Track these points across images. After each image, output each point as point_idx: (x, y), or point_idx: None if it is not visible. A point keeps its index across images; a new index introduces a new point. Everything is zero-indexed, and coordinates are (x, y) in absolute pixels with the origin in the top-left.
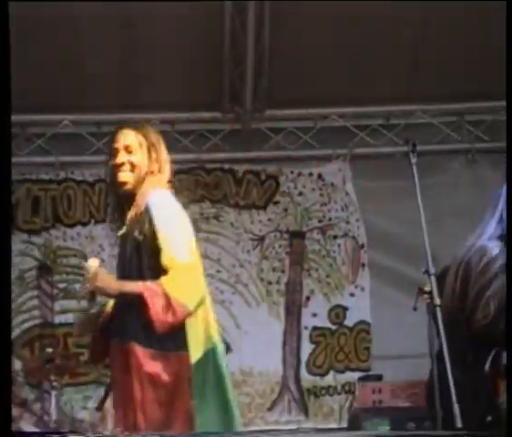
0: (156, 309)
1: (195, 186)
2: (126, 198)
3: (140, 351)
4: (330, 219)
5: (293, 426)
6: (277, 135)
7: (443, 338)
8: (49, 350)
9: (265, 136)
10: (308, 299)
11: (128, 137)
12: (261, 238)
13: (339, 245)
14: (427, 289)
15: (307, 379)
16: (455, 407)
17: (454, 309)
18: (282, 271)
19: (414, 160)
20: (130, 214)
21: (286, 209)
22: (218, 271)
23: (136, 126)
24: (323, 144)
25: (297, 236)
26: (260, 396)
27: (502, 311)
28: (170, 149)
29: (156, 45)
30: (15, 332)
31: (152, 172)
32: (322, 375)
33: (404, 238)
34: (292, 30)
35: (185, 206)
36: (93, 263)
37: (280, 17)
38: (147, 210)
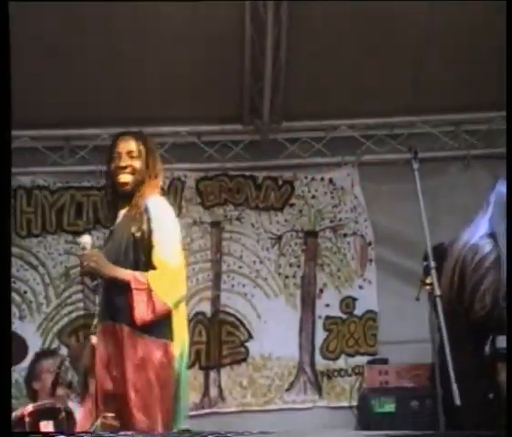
0: (138, 304)
1: (219, 191)
2: (123, 198)
3: (131, 334)
4: (340, 220)
5: (309, 405)
6: (292, 144)
7: (443, 324)
8: (92, 337)
9: (282, 145)
10: (321, 291)
11: (130, 144)
12: (279, 237)
13: (348, 242)
14: (429, 281)
15: (321, 362)
16: (454, 386)
17: (453, 301)
18: (298, 266)
19: (416, 166)
20: (125, 212)
21: (301, 211)
22: (240, 267)
23: (136, 134)
24: (334, 152)
25: (311, 235)
26: (278, 378)
27: (497, 302)
28: (197, 158)
29: (186, 65)
30: (63, 322)
31: (150, 177)
32: (335, 359)
33: (408, 235)
34: (305, 51)
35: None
36: (87, 240)
37: (295, 40)
38: (146, 211)
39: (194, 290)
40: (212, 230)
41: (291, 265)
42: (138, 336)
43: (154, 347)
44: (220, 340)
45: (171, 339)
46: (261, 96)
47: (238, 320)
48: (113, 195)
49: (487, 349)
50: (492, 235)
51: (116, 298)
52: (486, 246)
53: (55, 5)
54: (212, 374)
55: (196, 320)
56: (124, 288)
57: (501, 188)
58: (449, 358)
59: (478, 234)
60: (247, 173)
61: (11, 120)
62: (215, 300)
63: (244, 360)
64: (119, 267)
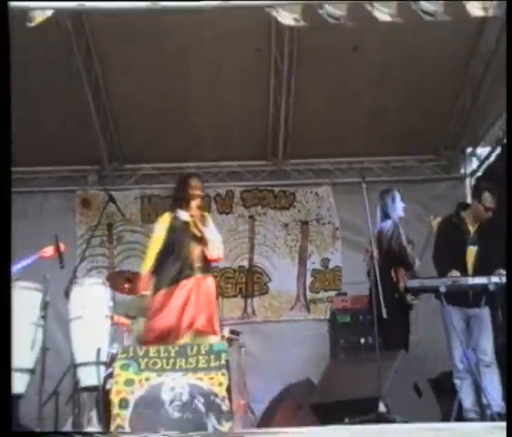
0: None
1: (253, 198)
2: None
3: None
4: (321, 215)
5: (302, 318)
6: (295, 173)
7: (377, 273)
8: None
9: (289, 173)
10: (310, 255)
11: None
12: (286, 225)
13: (326, 228)
14: (370, 249)
15: (309, 295)
16: (383, 307)
17: (382, 259)
18: (297, 241)
19: (364, 186)
20: (186, 212)
21: (299, 210)
22: (264, 242)
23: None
24: (318, 177)
25: (305, 223)
26: (286, 303)
27: (396, 244)
28: (241, 180)
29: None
30: None
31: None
32: (317, 293)
33: (360, 225)
34: (306, 111)
35: None
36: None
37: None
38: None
39: (239, 253)
40: (249, 220)
41: (293, 240)
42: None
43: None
44: (253, 281)
45: None
46: (277, 144)
47: (263, 270)
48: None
49: (402, 285)
50: (387, 215)
51: None
52: (386, 225)
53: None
54: (248, 300)
55: (239, 270)
56: None
57: (383, 196)
58: (380, 290)
59: (380, 220)
60: (269, 188)
61: (11, 120)
62: (250, 260)
63: (266, 292)
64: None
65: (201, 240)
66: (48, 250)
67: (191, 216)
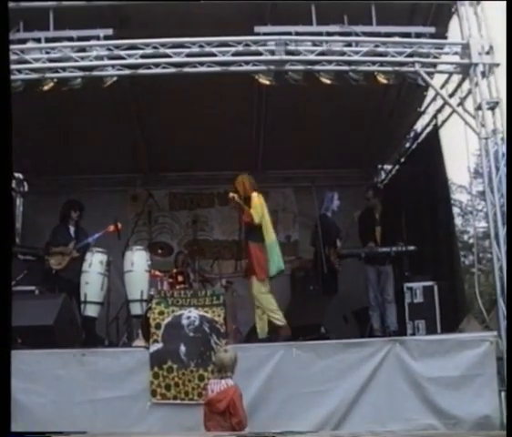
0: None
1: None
2: None
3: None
4: (286, 207)
5: None
6: (270, 179)
7: (320, 242)
8: None
9: (265, 179)
10: (278, 233)
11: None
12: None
13: (289, 215)
14: (318, 230)
15: None
16: (324, 264)
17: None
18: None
19: (314, 189)
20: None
21: (272, 204)
22: None
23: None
24: (286, 183)
25: (275, 212)
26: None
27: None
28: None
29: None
30: None
31: None
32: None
33: (311, 213)
34: (276, 139)
35: None
36: None
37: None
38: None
39: (233, 230)
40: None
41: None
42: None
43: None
44: (241, 249)
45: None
46: (258, 160)
47: None
48: None
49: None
50: (327, 208)
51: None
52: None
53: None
54: (238, 261)
55: (232, 242)
56: None
57: (326, 195)
58: (322, 253)
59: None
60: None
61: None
62: (239, 235)
63: None
64: None
65: None
66: (110, 228)
67: None
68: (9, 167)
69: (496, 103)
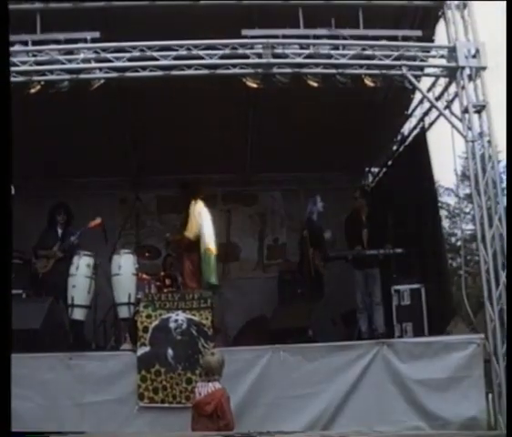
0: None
1: (230, 198)
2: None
3: None
4: (274, 210)
5: (261, 276)
6: (259, 183)
7: (309, 248)
8: None
9: (254, 183)
10: (266, 236)
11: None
12: (251, 216)
13: (276, 218)
14: (304, 234)
15: (265, 261)
16: (312, 268)
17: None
18: (258, 226)
19: (302, 193)
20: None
21: (260, 207)
22: (236, 226)
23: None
24: (272, 185)
25: (263, 215)
26: (250, 266)
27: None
28: (223, 186)
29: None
30: None
31: None
32: (270, 260)
33: (297, 216)
34: (265, 144)
35: None
36: None
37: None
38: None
39: (220, 234)
40: (227, 213)
41: (255, 226)
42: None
43: None
44: (229, 252)
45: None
46: (246, 164)
47: (236, 245)
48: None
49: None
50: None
51: None
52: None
53: None
54: (226, 264)
55: (220, 245)
56: None
57: (310, 199)
58: (309, 256)
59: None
60: (240, 192)
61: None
62: (227, 238)
63: (238, 259)
64: None
65: None
66: (92, 223)
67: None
68: (9, 171)
69: (483, 106)
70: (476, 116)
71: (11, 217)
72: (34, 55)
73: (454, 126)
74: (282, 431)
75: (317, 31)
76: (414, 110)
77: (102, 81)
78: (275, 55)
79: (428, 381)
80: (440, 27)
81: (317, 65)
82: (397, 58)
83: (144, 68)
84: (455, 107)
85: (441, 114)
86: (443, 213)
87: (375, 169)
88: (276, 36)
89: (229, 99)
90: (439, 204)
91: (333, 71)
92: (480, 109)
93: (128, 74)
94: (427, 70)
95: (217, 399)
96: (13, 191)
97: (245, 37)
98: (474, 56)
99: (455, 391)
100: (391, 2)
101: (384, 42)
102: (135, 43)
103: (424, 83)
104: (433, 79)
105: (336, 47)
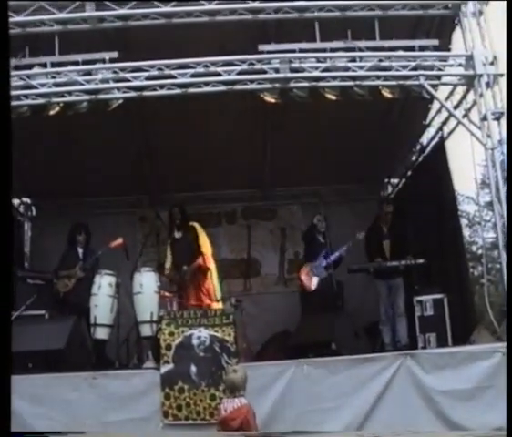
0: None
1: (250, 213)
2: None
3: None
4: (293, 224)
5: (282, 291)
6: (277, 197)
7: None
8: None
9: (273, 197)
10: (287, 250)
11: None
12: (271, 230)
13: (296, 232)
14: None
15: (287, 275)
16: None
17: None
18: (278, 241)
19: (321, 206)
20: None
21: (280, 221)
22: (257, 241)
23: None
24: (291, 199)
25: (283, 229)
26: (271, 281)
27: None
28: (242, 201)
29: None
30: None
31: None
32: (291, 274)
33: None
34: (283, 158)
35: None
36: None
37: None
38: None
39: (241, 249)
40: (247, 228)
41: (276, 240)
42: None
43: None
44: (250, 267)
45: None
46: (265, 179)
47: (257, 260)
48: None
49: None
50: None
51: None
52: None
53: None
54: (247, 280)
55: (241, 260)
56: None
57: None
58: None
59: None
60: (260, 207)
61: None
62: (248, 254)
63: (259, 274)
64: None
65: None
66: (113, 243)
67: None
68: (9, 185)
69: (502, 113)
70: (495, 124)
71: (12, 232)
72: (53, 77)
73: (473, 134)
74: (300, 431)
75: (334, 44)
76: (432, 120)
77: (121, 101)
78: (292, 70)
79: (453, 392)
80: (457, 36)
81: (334, 77)
82: (414, 68)
83: (162, 87)
84: (474, 115)
85: (459, 122)
86: (463, 221)
87: (395, 180)
88: (293, 51)
89: (247, 115)
90: (459, 213)
91: (351, 83)
92: (499, 116)
93: (147, 93)
94: (445, 79)
95: (243, 415)
96: (34, 212)
97: (262, 52)
98: (491, 64)
99: (480, 401)
100: (407, 12)
101: (400, 52)
102: (153, 62)
103: (442, 92)
104: (450, 88)
105: (353, 59)
